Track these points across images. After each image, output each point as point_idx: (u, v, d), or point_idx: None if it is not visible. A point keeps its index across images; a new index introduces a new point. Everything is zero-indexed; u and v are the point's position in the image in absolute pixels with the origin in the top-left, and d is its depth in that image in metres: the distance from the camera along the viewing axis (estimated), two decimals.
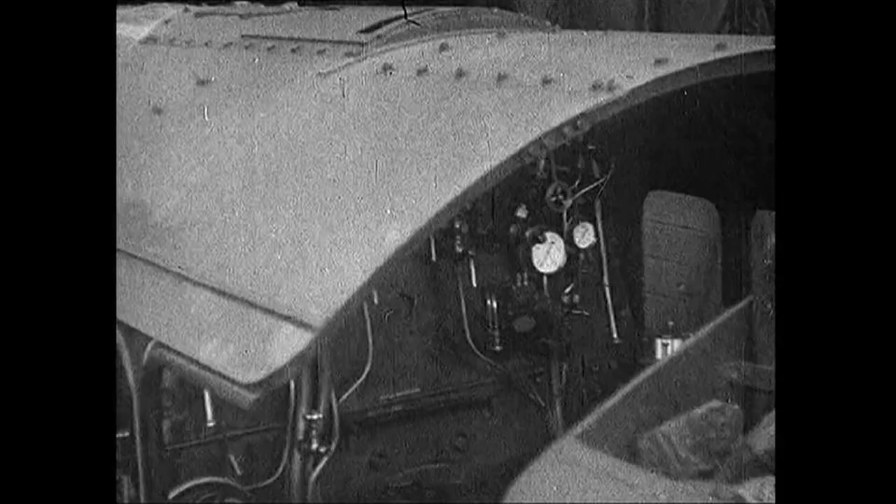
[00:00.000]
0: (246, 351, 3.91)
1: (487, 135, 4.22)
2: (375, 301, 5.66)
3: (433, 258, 5.97)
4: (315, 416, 5.39)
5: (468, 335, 6.16)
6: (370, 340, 5.81)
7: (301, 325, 3.79)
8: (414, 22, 5.34)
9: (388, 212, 4.05)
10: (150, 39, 6.49)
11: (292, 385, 5.41)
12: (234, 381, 3.85)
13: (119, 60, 6.47)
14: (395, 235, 3.92)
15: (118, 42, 6.91)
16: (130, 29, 7.08)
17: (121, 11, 7.92)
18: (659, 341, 6.58)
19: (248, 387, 3.78)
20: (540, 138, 4.02)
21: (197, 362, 4.08)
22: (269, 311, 3.93)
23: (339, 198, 4.22)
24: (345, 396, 5.72)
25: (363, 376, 5.80)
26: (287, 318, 3.84)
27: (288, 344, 3.77)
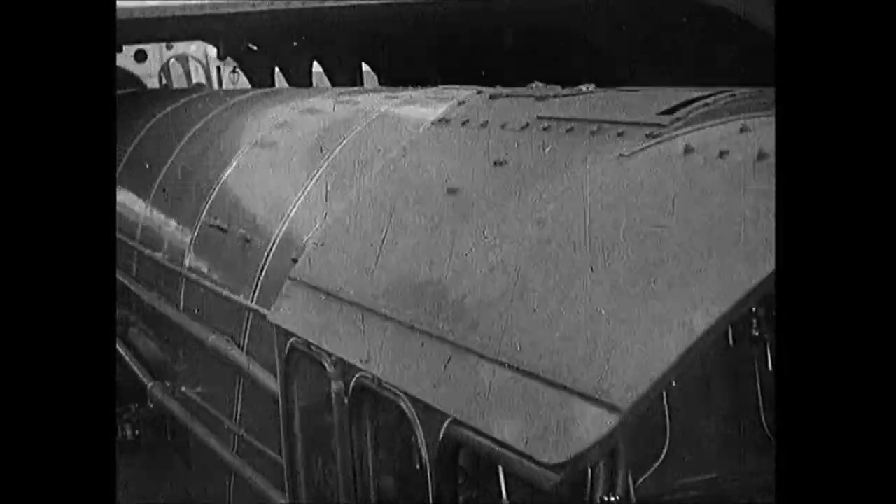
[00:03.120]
0: (548, 431, 4.00)
1: None
2: (673, 383, 5.72)
3: (730, 342, 6.01)
4: (612, 499, 5.45)
5: (763, 420, 6.15)
6: (667, 423, 5.87)
7: (606, 406, 3.87)
8: None
9: (695, 294, 4.09)
10: (444, 121, 6.73)
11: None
12: (536, 462, 3.96)
13: (411, 141, 6.76)
14: (702, 319, 3.96)
15: (408, 124, 7.22)
16: (422, 111, 7.37)
17: (411, 93, 8.26)
18: None
19: (552, 467, 3.88)
20: None
21: (496, 440, 4.21)
22: (571, 392, 4.03)
23: (643, 279, 4.29)
24: (642, 479, 5.77)
25: (660, 459, 5.85)
26: (591, 399, 3.93)
27: (593, 425, 3.85)
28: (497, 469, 4.72)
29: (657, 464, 5.87)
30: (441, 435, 4.56)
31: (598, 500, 5.48)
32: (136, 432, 10.88)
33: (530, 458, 4.00)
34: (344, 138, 7.70)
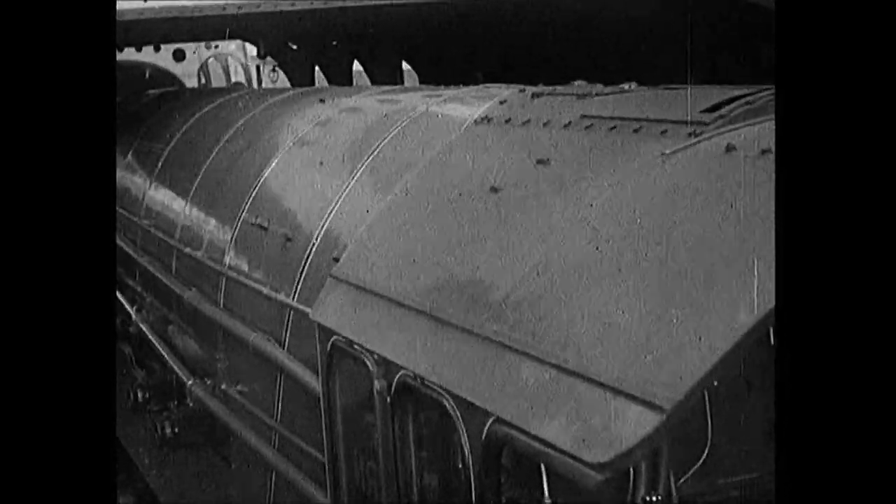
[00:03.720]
0: (592, 430, 4.03)
1: None
2: (715, 382, 5.73)
3: (772, 341, 5.99)
4: (654, 498, 5.46)
5: None
6: (709, 422, 5.87)
7: (650, 406, 3.90)
8: None
9: (738, 294, 4.10)
10: (486, 119, 6.76)
11: None
12: (579, 461, 3.99)
13: (453, 140, 6.79)
14: (746, 318, 3.97)
15: (452, 123, 7.26)
16: (464, 109, 7.41)
17: (452, 92, 8.30)
18: None
19: (595, 467, 3.90)
20: None
21: (539, 439, 4.24)
22: (615, 391, 4.06)
23: (686, 279, 4.31)
24: (684, 479, 5.78)
25: (702, 459, 5.86)
26: (635, 399, 3.95)
27: (637, 425, 3.88)
28: (540, 468, 4.75)
29: (699, 463, 5.88)
30: (484, 434, 4.60)
31: (641, 500, 5.49)
32: (176, 430, 10.98)
33: (574, 457, 4.03)
34: (385, 137, 7.74)
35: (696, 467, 5.88)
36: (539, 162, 5.72)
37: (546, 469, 4.66)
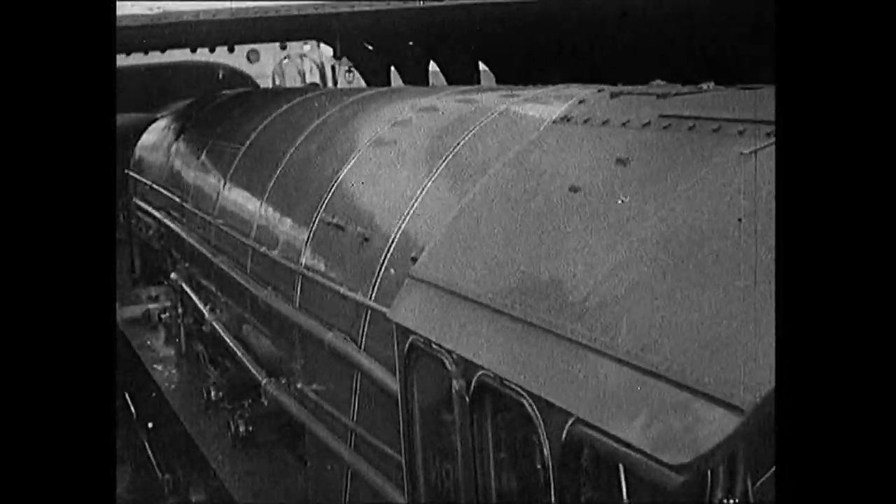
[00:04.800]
0: (672, 432, 4.06)
1: None
2: None
3: None
4: (731, 501, 5.46)
5: None
6: None
7: (729, 407, 3.92)
8: None
9: None
10: (565, 119, 6.80)
11: None
12: (659, 462, 4.02)
13: (532, 139, 6.83)
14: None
15: (530, 123, 7.30)
16: (543, 109, 7.44)
17: (530, 92, 8.33)
18: None
19: (675, 468, 3.93)
20: None
21: (619, 440, 4.28)
22: (695, 392, 4.09)
23: (768, 279, 4.31)
24: (759, 482, 5.77)
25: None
26: (715, 400, 3.98)
27: (716, 427, 3.90)
28: (619, 469, 4.78)
29: (773, 467, 5.86)
30: (564, 434, 4.64)
31: (718, 502, 5.49)
32: (250, 428, 11.13)
33: (653, 459, 4.06)
34: (463, 137, 7.79)
35: (772, 470, 5.86)
36: (618, 161, 5.75)
37: (625, 470, 4.70)
